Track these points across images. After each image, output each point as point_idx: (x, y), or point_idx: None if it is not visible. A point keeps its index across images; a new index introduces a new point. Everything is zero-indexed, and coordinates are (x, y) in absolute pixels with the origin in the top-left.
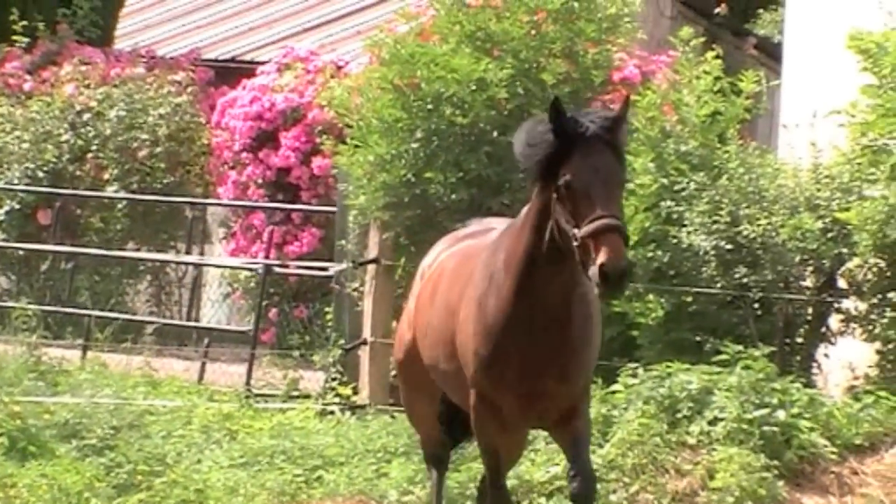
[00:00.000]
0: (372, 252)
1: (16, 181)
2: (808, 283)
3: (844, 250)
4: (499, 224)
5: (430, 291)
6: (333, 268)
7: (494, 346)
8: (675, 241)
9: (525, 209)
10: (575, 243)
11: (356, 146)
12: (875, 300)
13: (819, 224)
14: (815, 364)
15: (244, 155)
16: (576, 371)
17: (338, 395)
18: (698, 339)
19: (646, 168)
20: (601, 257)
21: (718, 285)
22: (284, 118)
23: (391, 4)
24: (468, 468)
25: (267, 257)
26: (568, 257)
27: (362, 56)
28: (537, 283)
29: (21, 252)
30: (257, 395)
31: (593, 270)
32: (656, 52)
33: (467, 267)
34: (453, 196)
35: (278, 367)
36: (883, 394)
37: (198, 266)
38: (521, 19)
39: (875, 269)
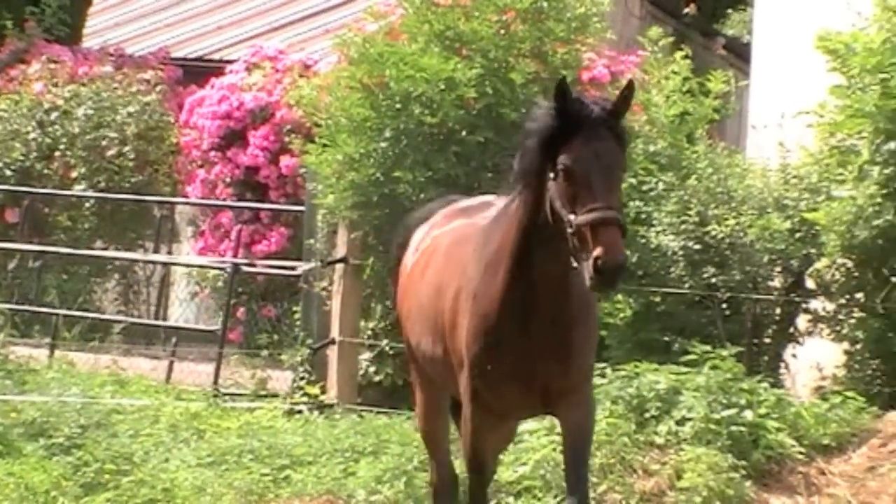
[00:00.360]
0: (340, 251)
1: None
2: (777, 283)
3: (812, 251)
4: (495, 200)
5: (422, 267)
6: (302, 267)
7: (492, 333)
8: (643, 241)
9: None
10: (569, 229)
11: (325, 145)
12: (843, 300)
13: (787, 224)
14: (782, 364)
15: (212, 154)
16: (578, 348)
17: (306, 394)
18: (666, 339)
19: None
20: (598, 250)
21: (687, 285)
22: (253, 117)
23: (360, 3)
24: None
25: (235, 256)
26: (561, 237)
27: (331, 55)
28: (535, 264)
29: None
30: (225, 395)
31: (588, 262)
32: (625, 52)
33: (458, 252)
34: (422, 195)
35: (246, 366)
36: (850, 394)
37: (166, 265)
38: (489, 19)
39: (843, 270)
